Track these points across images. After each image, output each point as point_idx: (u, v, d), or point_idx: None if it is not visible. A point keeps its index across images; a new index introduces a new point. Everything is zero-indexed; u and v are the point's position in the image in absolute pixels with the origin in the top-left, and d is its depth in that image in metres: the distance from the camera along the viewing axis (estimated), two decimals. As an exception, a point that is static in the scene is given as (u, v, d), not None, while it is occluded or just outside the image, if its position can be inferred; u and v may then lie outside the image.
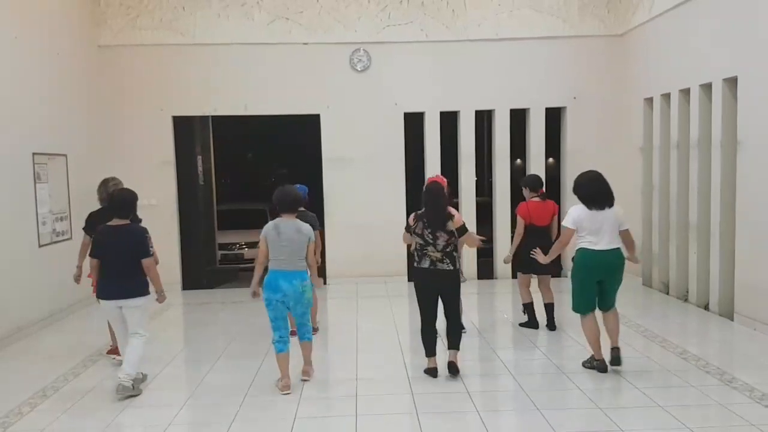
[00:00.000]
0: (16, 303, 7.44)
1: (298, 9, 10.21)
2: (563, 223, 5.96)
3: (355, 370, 6.14)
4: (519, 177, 10.88)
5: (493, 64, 10.40)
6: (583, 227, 5.81)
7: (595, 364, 5.93)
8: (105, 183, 6.69)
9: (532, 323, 7.54)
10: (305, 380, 5.82)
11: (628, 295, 9.21)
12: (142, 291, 5.57)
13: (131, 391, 5.48)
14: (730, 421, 4.84)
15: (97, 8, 10.00)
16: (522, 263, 7.41)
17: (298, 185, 6.63)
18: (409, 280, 10.52)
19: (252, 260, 13.57)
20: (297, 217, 5.73)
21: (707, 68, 8.01)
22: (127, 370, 5.49)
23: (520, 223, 7.33)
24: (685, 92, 8.61)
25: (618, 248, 5.84)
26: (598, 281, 5.87)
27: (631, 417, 4.90)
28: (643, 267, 9.80)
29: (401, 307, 8.86)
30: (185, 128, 10.80)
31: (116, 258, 5.49)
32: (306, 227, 5.63)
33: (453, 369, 5.79)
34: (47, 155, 8.29)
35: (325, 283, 10.36)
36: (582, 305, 5.92)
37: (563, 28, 10.37)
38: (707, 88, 8.10)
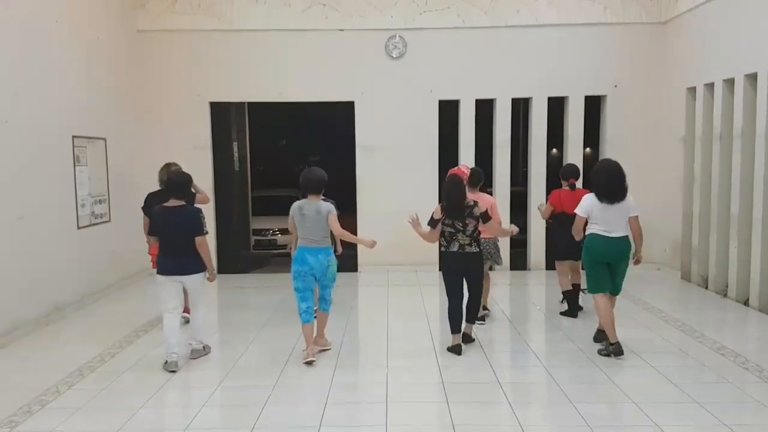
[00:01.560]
0: (54, 283, 7.60)
1: (334, -6, 10.18)
2: (576, 210, 6.16)
3: (386, 359, 6.14)
4: (556, 167, 10.79)
5: (531, 51, 10.24)
6: (593, 216, 6.07)
7: (610, 349, 6.00)
8: (167, 167, 6.98)
9: (572, 311, 7.56)
10: (324, 350, 6.20)
11: (665, 289, 9.12)
12: (199, 267, 5.93)
13: (202, 352, 6.17)
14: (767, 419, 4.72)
15: (135, -7, 10.12)
16: (559, 252, 7.58)
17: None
18: (440, 269, 10.52)
19: (284, 246, 13.83)
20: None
21: (753, 58, 7.75)
22: (196, 336, 6.18)
23: (548, 208, 7.63)
24: (730, 82, 8.36)
25: (626, 236, 6.07)
26: (607, 263, 6.08)
27: (667, 412, 4.80)
28: (682, 260, 9.60)
29: (432, 296, 8.81)
30: (221, 114, 10.88)
31: (173, 237, 5.85)
32: (325, 207, 5.97)
33: (467, 339, 6.31)
34: (87, 138, 8.44)
35: (356, 269, 10.40)
36: (592, 286, 6.15)
37: (605, 14, 10.15)
38: (752, 78, 7.85)
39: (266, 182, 16.24)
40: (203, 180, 10.35)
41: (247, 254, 12.32)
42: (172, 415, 5.08)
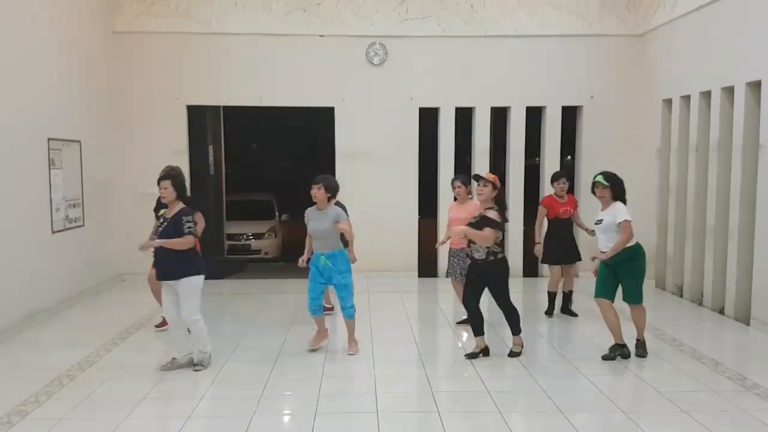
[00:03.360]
0: (28, 289, 7.38)
1: (315, 1, 10.13)
2: (628, 218, 6.23)
3: (372, 368, 6.10)
4: (533, 174, 10.90)
5: (510, 60, 10.33)
6: None
7: (620, 352, 6.23)
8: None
9: (549, 311, 8.04)
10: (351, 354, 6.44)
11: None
12: (181, 272, 5.78)
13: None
14: (752, 427, 4.79)
15: (112, -6, 9.93)
16: (549, 256, 7.93)
17: None
18: (419, 276, 10.52)
19: (258, 251, 13.67)
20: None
21: (730, 71, 7.94)
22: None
23: (542, 212, 7.89)
24: (706, 95, 8.54)
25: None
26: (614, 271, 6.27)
27: (656, 421, 4.86)
28: (656, 269, 9.76)
29: (411, 302, 8.80)
30: (198, 118, 10.72)
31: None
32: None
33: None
34: (62, 141, 8.24)
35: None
36: (596, 289, 6.39)
37: (582, 26, 10.29)
38: (729, 91, 8.03)
39: (240, 186, 16.07)
40: (180, 184, 10.23)
41: (222, 260, 12.16)
42: (158, 425, 4.96)
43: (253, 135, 20.71)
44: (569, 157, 11.24)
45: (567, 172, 8.36)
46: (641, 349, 6.36)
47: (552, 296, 8.04)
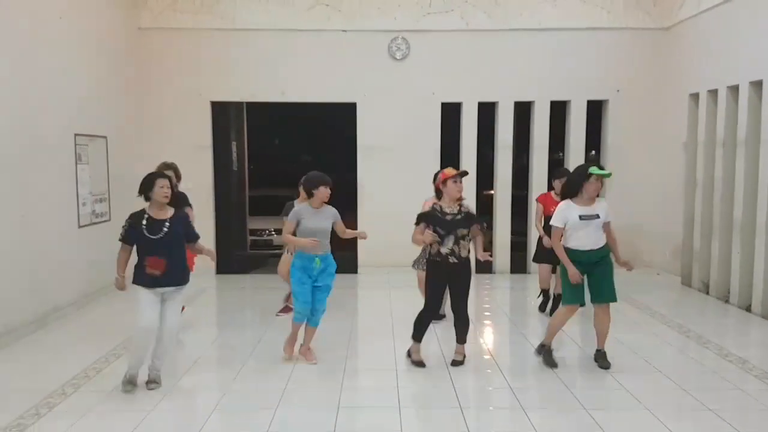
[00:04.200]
0: (54, 282, 7.50)
1: (338, -5, 10.14)
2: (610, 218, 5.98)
3: (395, 363, 6.10)
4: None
5: (534, 54, 10.25)
6: None
7: (542, 351, 6.02)
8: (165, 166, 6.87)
9: (543, 306, 8.00)
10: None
11: (665, 294, 9.14)
12: (186, 277, 5.46)
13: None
14: (783, 427, 4.72)
15: (137, -10, 10.02)
16: (538, 254, 7.87)
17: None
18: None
19: (280, 247, 13.74)
20: None
21: (758, 65, 7.80)
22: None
23: (539, 208, 7.78)
24: (734, 89, 8.40)
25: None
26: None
27: (681, 419, 4.80)
28: (682, 265, 9.63)
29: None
30: (221, 113, 10.81)
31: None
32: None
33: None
34: (88, 136, 8.34)
35: (356, 271, 10.37)
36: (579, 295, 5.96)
37: (608, 19, 10.18)
38: (757, 85, 7.89)
39: (263, 182, 16.14)
40: (203, 179, 10.36)
41: (244, 254, 12.25)
42: (184, 417, 5.02)
43: (275, 130, 20.78)
44: (593, 152, 11.14)
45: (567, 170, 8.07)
46: (604, 360, 5.92)
47: (546, 292, 7.91)
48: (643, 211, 10.42)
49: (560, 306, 6.14)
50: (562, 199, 5.91)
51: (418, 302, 8.33)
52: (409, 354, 6.09)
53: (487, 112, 10.62)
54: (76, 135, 8.03)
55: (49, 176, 7.43)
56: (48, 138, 7.41)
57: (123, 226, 5.32)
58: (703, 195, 9.11)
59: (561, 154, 11.07)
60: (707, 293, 8.97)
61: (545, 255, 7.57)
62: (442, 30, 10.22)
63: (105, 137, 8.81)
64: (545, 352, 6.01)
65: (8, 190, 6.61)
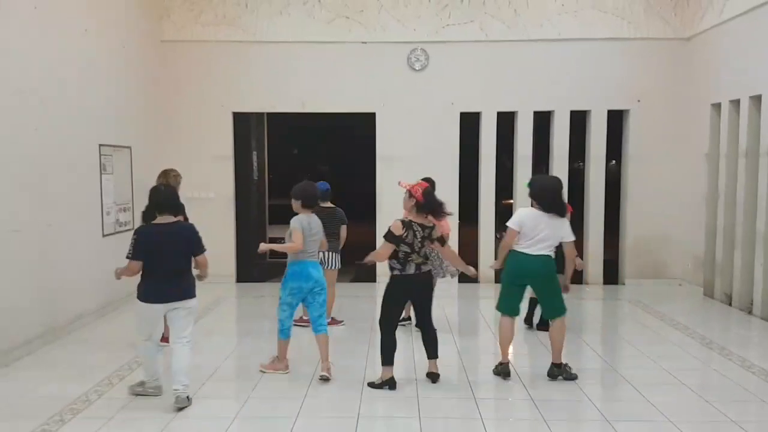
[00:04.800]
0: (79, 290, 7.61)
1: (358, 8, 10.23)
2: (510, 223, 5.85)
3: (414, 372, 6.11)
4: (579, 180, 10.79)
5: (553, 64, 10.25)
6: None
7: (499, 369, 5.89)
8: (165, 174, 6.93)
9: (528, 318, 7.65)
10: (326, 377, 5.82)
11: (688, 305, 9.06)
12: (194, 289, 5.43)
13: (187, 402, 5.19)
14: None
15: (161, 3, 10.18)
16: None
17: (320, 182, 7.32)
18: (459, 282, 10.47)
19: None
20: (327, 212, 7.05)
21: (782, 74, 7.74)
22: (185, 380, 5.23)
23: None
24: (756, 99, 8.33)
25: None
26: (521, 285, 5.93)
27: (704, 431, 4.77)
28: (705, 277, 9.55)
29: (451, 307, 8.78)
30: (242, 124, 10.93)
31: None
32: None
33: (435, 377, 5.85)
34: (112, 147, 8.47)
35: (375, 280, 10.38)
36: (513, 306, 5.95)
37: (628, 29, 10.16)
38: (781, 94, 7.83)
39: (283, 191, 16.27)
40: (225, 188, 10.48)
41: (264, 263, 12.33)
42: (205, 426, 5.06)
43: (295, 140, 20.97)
44: (614, 161, 11.10)
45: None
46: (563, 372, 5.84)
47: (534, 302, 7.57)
48: (665, 221, 10.35)
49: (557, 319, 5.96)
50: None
51: (435, 313, 8.33)
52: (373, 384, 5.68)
53: (506, 121, 10.63)
54: (100, 145, 8.16)
55: (75, 186, 7.55)
56: (73, 148, 7.54)
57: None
58: (726, 205, 9.04)
59: (581, 163, 11.04)
60: (730, 304, 8.87)
61: None
62: (462, 41, 10.26)
63: (129, 147, 8.94)
64: (563, 370, 5.87)
65: (35, 199, 6.73)
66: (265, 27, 10.25)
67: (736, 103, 8.82)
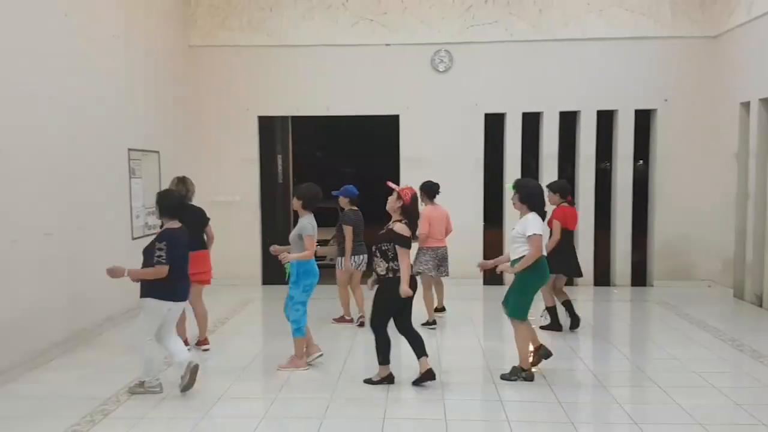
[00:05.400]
0: (108, 293, 7.70)
1: (382, 10, 10.25)
2: (536, 231, 5.72)
3: (439, 375, 6.11)
4: (606, 180, 10.70)
5: (579, 64, 10.18)
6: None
7: (540, 352, 6.00)
8: (184, 181, 7.08)
9: (555, 326, 7.52)
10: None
11: (718, 307, 8.93)
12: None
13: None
14: None
15: (187, 9, 10.31)
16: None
17: (349, 186, 7.85)
18: (484, 284, 10.41)
19: (323, 257, 13.88)
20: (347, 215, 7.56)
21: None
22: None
23: (557, 226, 7.36)
24: (787, 96, 8.20)
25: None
26: None
27: (736, 436, 4.70)
28: (735, 278, 9.40)
29: (477, 310, 8.76)
30: (268, 127, 11.01)
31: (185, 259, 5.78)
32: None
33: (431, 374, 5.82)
34: (141, 151, 8.60)
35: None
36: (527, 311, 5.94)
37: (654, 28, 10.05)
38: (813, 92, 7.68)
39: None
40: (251, 191, 10.57)
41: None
42: (234, 425, 5.11)
43: (319, 143, 21.05)
44: (641, 161, 10.98)
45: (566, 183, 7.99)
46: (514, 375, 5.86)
47: (551, 310, 7.55)
48: (694, 222, 10.21)
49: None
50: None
51: (457, 311, 8.32)
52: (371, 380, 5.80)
53: (531, 122, 10.57)
54: (129, 150, 8.29)
55: (104, 190, 7.68)
56: (103, 153, 7.67)
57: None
58: (756, 206, 8.88)
59: (608, 163, 10.94)
60: (760, 306, 8.72)
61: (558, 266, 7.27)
62: (486, 41, 10.23)
63: (157, 152, 9.06)
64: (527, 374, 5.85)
65: (66, 202, 6.86)
66: (289, 31, 10.33)
67: (765, 101, 8.68)
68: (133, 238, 8.31)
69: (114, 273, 5.48)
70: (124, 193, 8.18)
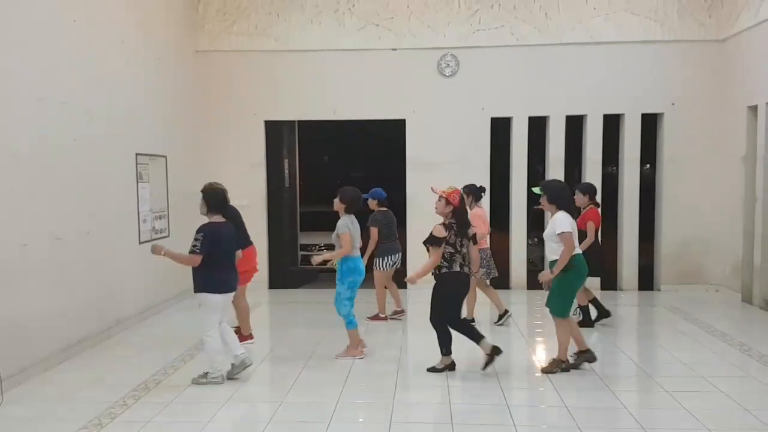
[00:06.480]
0: (117, 297, 7.77)
1: (388, 15, 10.28)
2: (565, 229, 5.90)
3: (446, 379, 6.10)
4: (613, 184, 10.66)
5: (586, 68, 10.17)
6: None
7: (587, 357, 6.18)
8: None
9: (587, 323, 7.70)
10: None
11: (726, 311, 8.89)
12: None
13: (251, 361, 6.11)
14: None
15: (195, 14, 10.36)
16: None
17: (377, 188, 8.27)
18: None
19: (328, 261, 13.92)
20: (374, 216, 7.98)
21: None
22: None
23: (592, 227, 7.51)
24: (795, 100, 8.17)
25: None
26: None
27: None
28: (743, 282, 9.36)
29: (483, 313, 8.72)
30: (274, 132, 11.05)
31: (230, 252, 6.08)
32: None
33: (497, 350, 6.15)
34: (149, 156, 8.64)
35: (405, 286, 10.36)
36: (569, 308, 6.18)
37: (661, 32, 10.03)
38: (821, 95, 7.65)
39: (314, 198, 16.36)
40: (257, 196, 10.60)
41: (296, 269, 12.42)
42: (241, 428, 5.13)
43: (325, 147, 21.10)
44: (648, 165, 10.95)
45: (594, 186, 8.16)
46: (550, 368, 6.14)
47: (584, 309, 7.81)
48: (702, 225, 10.17)
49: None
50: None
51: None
52: (435, 368, 6.23)
53: (538, 126, 10.57)
54: (137, 154, 8.33)
55: (113, 194, 7.72)
56: (111, 157, 7.71)
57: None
58: (764, 209, 8.85)
59: (614, 168, 10.91)
60: (770, 310, 8.68)
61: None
62: (492, 46, 10.23)
63: (165, 156, 9.11)
64: (588, 355, 6.17)
65: (74, 207, 6.90)
66: (296, 36, 10.37)
67: (773, 105, 8.65)
68: (140, 243, 8.35)
69: (155, 249, 5.81)
70: (132, 197, 8.22)
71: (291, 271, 11.94)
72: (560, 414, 5.23)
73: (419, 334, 7.37)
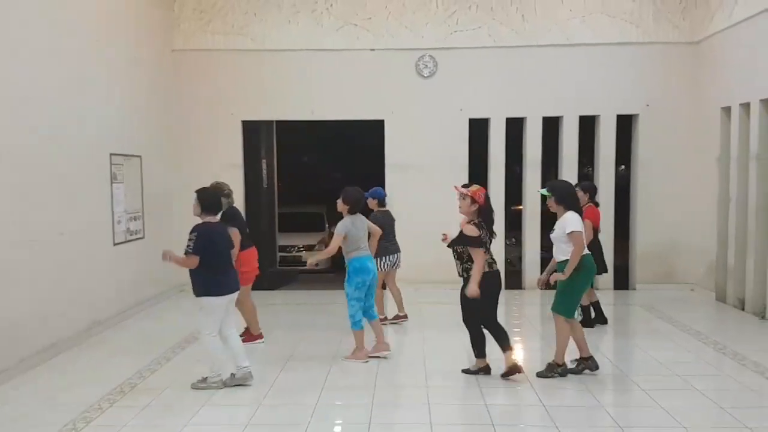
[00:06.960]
0: (91, 299, 7.65)
1: (366, 15, 10.27)
2: (575, 228, 5.91)
3: (425, 379, 6.10)
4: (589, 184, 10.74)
5: (562, 70, 10.25)
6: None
7: (588, 364, 6.10)
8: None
9: (587, 323, 7.63)
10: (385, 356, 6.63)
11: (701, 311, 9.01)
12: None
13: (252, 378, 5.93)
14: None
15: (170, 13, 10.25)
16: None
17: (377, 188, 8.29)
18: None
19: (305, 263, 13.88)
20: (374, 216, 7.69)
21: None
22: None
23: (589, 226, 7.42)
24: (766, 102, 8.29)
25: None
26: None
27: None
28: (717, 282, 9.49)
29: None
30: (252, 132, 10.97)
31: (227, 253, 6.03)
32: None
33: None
34: (123, 156, 8.53)
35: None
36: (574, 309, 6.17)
37: (636, 34, 10.14)
38: (792, 97, 7.79)
39: (292, 199, 16.30)
40: (235, 197, 10.38)
41: (274, 271, 12.35)
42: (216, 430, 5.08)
43: (304, 148, 21.03)
44: (623, 166, 11.07)
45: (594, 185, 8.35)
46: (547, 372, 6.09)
47: (585, 309, 7.81)
48: (676, 226, 10.30)
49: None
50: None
51: (446, 317, 8.31)
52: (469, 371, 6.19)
53: (515, 127, 10.62)
54: (111, 155, 8.22)
55: (86, 195, 7.61)
56: (85, 158, 7.60)
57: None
58: (737, 209, 8.98)
59: (590, 169, 11.02)
60: (743, 309, 8.80)
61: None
62: (470, 47, 10.27)
63: (139, 157, 9.00)
64: (590, 362, 6.09)
65: (48, 209, 6.79)
66: (273, 35, 10.31)
67: (746, 106, 8.77)
68: (115, 244, 8.24)
69: (163, 255, 5.77)
70: (106, 198, 8.10)
71: (270, 272, 11.87)
72: (538, 413, 5.25)
73: (416, 337, 7.36)
